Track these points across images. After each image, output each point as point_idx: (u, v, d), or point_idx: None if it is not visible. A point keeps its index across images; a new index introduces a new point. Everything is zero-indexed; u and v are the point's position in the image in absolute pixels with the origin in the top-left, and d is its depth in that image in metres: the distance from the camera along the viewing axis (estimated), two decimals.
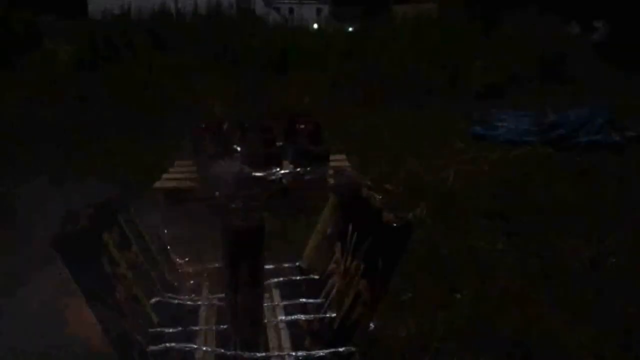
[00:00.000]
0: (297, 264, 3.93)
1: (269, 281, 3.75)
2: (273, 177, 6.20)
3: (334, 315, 3.06)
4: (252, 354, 2.89)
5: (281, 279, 3.84)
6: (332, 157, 6.84)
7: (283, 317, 3.39)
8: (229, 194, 3.16)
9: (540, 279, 4.81)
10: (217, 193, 5.10)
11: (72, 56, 15.71)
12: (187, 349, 2.96)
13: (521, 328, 3.99)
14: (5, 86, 13.03)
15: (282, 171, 6.38)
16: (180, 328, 3.14)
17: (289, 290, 3.77)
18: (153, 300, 3.25)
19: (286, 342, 3.20)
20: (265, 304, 3.43)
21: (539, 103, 11.07)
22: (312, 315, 3.28)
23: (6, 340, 3.48)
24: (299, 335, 3.30)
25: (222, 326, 3.21)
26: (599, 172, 7.73)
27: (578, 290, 4.55)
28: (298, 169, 6.27)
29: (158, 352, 2.88)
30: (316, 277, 3.64)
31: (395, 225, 2.71)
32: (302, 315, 3.35)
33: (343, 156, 7.39)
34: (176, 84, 13.22)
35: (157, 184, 6.56)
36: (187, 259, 3.98)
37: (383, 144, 9.43)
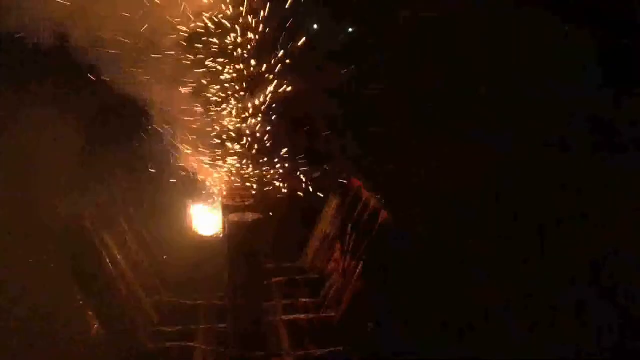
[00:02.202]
0: (297, 264, 3.94)
1: (269, 281, 3.76)
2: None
3: (333, 314, 3.07)
4: (252, 353, 2.90)
5: (281, 279, 3.85)
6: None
7: (283, 317, 3.40)
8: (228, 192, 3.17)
9: None
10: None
11: None
12: (187, 348, 2.97)
13: None
14: None
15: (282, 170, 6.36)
16: (180, 327, 3.16)
17: (289, 290, 3.78)
18: (153, 299, 3.26)
19: (286, 342, 3.21)
20: (266, 304, 3.44)
21: None
22: (312, 315, 3.30)
23: None
24: (299, 335, 3.30)
25: (222, 326, 3.22)
26: None
27: None
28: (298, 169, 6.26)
29: (158, 351, 2.89)
30: (316, 277, 3.65)
31: (394, 224, 2.73)
32: (302, 315, 3.36)
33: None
34: None
35: None
36: (188, 258, 3.99)
37: None
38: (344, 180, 3.72)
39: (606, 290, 4.53)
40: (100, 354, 2.94)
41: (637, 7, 5.88)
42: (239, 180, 5.31)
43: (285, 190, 6.42)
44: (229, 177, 5.14)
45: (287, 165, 6.66)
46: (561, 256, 5.18)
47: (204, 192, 5.97)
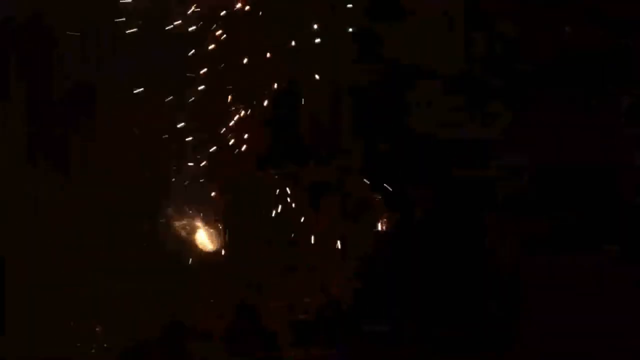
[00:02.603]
0: (298, 264, 3.94)
1: (269, 281, 3.76)
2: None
3: (333, 315, 3.08)
4: (253, 353, 2.90)
5: (281, 278, 3.85)
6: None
7: (283, 317, 3.41)
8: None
9: None
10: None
11: None
12: (189, 348, 2.97)
13: None
14: None
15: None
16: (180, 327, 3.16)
17: (289, 290, 3.78)
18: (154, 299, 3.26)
19: (286, 342, 3.21)
20: (266, 304, 3.45)
21: None
22: (312, 315, 3.30)
23: None
24: (299, 335, 3.31)
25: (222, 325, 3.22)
26: None
27: None
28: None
29: (158, 350, 2.89)
30: (316, 276, 3.65)
31: (394, 224, 2.73)
32: (302, 315, 3.36)
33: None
34: None
35: None
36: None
37: None
38: (344, 179, 3.72)
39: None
40: (101, 354, 2.95)
41: (637, 7, 5.88)
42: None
43: (286, 190, 6.40)
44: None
45: (286, 165, 6.64)
46: (561, 256, 5.17)
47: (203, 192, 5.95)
